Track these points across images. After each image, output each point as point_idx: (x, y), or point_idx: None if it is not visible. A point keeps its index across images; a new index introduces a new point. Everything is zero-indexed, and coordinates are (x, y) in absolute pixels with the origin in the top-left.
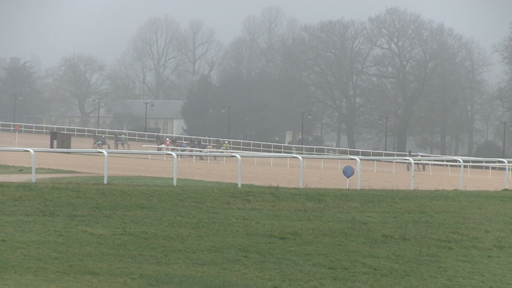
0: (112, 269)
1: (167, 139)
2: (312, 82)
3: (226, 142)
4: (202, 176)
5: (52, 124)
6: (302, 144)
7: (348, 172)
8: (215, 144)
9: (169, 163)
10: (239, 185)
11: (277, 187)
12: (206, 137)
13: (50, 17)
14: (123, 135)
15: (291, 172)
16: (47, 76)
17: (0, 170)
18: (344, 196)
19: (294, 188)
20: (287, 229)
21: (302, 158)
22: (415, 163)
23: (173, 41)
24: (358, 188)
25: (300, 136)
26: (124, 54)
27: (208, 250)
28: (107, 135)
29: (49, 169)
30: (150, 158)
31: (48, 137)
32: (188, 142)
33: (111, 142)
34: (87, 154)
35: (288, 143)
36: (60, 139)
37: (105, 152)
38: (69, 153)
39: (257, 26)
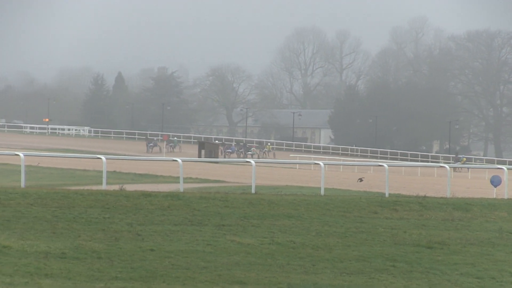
0: (260, 278)
1: (217, 141)
2: (459, 92)
3: (269, 144)
4: (348, 185)
5: (200, 134)
6: (449, 154)
7: (495, 182)
8: (258, 145)
9: (316, 173)
10: (387, 195)
11: (424, 197)
12: (353, 147)
13: (197, 28)
14: (175, 138)
15: (438, 182)
16: (194, 86)
17: (149, 179)
18: (491, 205)
19: (441, 198)
20: (434, 238)
21: (449, 167)
22: None
23: (320, 51)
24: (506, 197)
25: (447, 146)
26: (271, 64)
27: (355, 259)
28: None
29: (196, 178)
30: (297, 167)
31: (196, 146)
32: (235, 144)
33: (163, 145)
34: (234, 164)
35: (436, 153)
36: (208, 149)
37: (252, 162)
38: (216, 162)
39: (403, 36)
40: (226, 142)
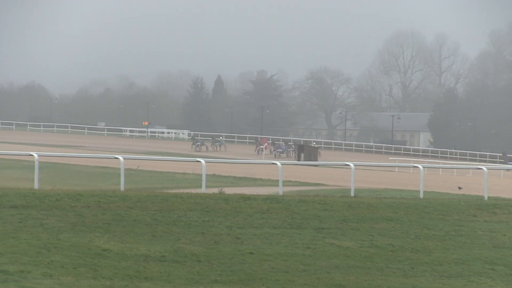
0: (359, 281)
1: (268, 141)
2: None
3: (314, 142)
4: (447, 188)
5: (299, 137)
6: None
7: None
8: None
9: (415, 176)
10: (486, 198)
11: None
12: (453, 150)
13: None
14: (221, 137)
15: None
16: (294, 89)
17: (248, 182)
18: None
19: None
20: None
21: None
22: None
23: (419, 54)
24: None
25: None
26: (370, 67)
27: (454, 262)
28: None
29: (296, 181)
30: (396, 170)
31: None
32: (284, 143)
33: (209, 144)
34: (333, 167)
35: None
36: (307, 152)
37: (351, 165)
38: (316, 166)
39: (502, 39)
40: (276, 142)
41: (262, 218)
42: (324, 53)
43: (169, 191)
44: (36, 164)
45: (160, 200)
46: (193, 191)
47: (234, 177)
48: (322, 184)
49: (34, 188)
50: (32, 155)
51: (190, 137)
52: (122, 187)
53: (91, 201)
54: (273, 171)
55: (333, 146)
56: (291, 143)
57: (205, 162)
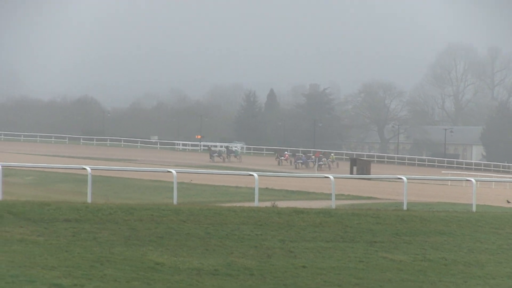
0: None
1: (286, 152)
2: None
3: (333, 154)
4: (500, 202)
5: (352, 151)
6: None
7: None
8: (322, 155)
9: (468, 189)
10: None
11: None
12: (506, 163)
13: (347, 44)
14: (236, 149)
15: None
16: (346, 102)
17: (301, 196)
18: None
19: None
20: None
21: None
22: None
23: (471, 67)
24: None
25: None
26: (422, 80)
27: (507, 276)
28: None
29: (348, 195)
30: (449, 184)
31: (348, 163)
32: (303, 155)
33: (225, 155)
34: (386, 180)
35: None
36: (360, 165)
37: (404, 178)
38: (369, 179)
39: None
40: (296, 154)
41: (314, 231)
42: (377, 66)
43: (222, 204)
44: (89, 177)
45: (213, 214)
46: (246, 204)
47: (287, 191)
48: (375, 198)
49: (87, 201)
50: (85, 168)
51: (206, 148)
52: (175, 201)
53: (144, 215)
54: (325, 185)
55: (385, 159)
56: (311, 154)
57: (258, 175)
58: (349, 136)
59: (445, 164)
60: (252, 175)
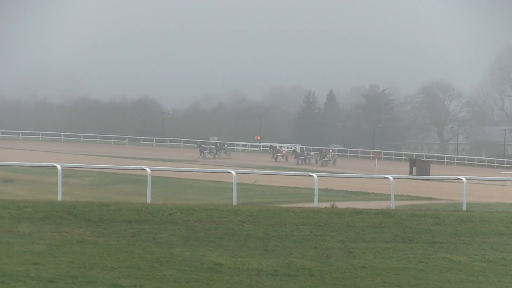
0: None
1: (283, 148)
2: None
3: (331, 150)
4: None
5: (411, 151)
6: None
7: None
8: (317, 152)
9: None
10: None
11: None
12: None
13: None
14: (225, 145)
15: None
16: (405, 103)
17: (360, 196)
18: None
19: None
20: None
21: None
22: None
23: None
24: None
25: None
26: (481, 81)
27: None
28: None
29: (408, 196)
30: (509, 184)
31: (407, 164)
32: (307, 151)
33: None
34: (446, 181)
35: None
36: (419, 166)
37: (463, 179)
38: (428, 180)
39: None
40: (203, 145)
41: (374, 232)
42: (436, 67)
43: (281, 205)
44: (149, 178)
45: (272, 215)
46: (305, 205)
47: (346, 191)
48: (434, 198)
49: (147, 202)
50: (144, 169)
51: (197, 145)
52: (234, 202)
53: (203, 216)
54: (384, 185)
55: (445, 160)
56: (311, 152)
57: (317, 176)
58: (409, 137)
59: (505, 165)
60: (312, 175)
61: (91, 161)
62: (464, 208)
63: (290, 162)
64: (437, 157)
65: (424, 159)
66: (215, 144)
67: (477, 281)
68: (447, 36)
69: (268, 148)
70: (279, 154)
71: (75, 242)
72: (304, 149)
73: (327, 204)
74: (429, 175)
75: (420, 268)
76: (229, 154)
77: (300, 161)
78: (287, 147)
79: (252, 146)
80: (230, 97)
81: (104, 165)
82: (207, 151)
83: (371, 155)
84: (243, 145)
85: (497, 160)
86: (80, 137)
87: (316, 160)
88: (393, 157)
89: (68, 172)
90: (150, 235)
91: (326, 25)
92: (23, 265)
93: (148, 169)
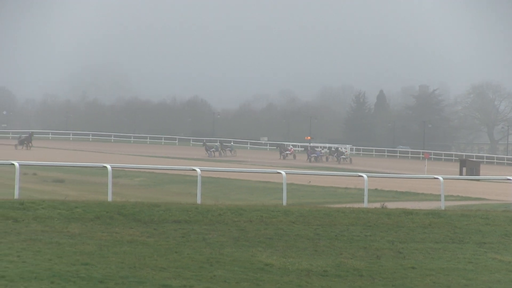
0: None
1: (291, 146)
2: None
3: (346, 149)
4: None
5: (461, 152)
6: None
7: None
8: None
9: None
10: None
11: None
12: None
13: (456, 45)
14: (231, 143)
15: None
16: (455, 103)
17: (410, 197)
18: None
19: None
20: None
21: None
22: None
23: None
24: None
25: None
26: None
27: None
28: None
29: (457, 196)
30: None
31: (457, 164)
32: (322, 148)
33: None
34: (495, 181)
35: None
36: (469, 167)
37: None
38: (478, 180)
39: None
40: (208, 144)
41: (424, 232)
42: (486, 67)
43: (331, 205)
44: (199, 179)
45: (322, 215)
46: (355, 205)
47: (396, 192)
48: (484, 199)
49: (197, 203)
50: (195, 170)
51: (202, 144)
52: (284, 202)
53: (253, 216)
54: (434, 186)
55: (495, 160)
56: (320, 149)
57: (367, 176)
58: (458, 137)
59: None
60: (362, 176)
61: (141, 161)
62: None
63: (299, 160)
64: (487, 158)
65: (474, 159)
66: (220, 142)
67: None
68: (496, 37)
69: (275, 147)
70: (287, 152)
71: (125, 243)
72: (313, 147)
73: (377, 205)
74: (479, 175)
75: (469, 269)
76: (234, 153)
77: (312, 159)
78: (321, 147)
79: (301, 146)
80: (280, 98)
81: (154, 166)
82: (213, 149)
83: (421, 155)
84: (293, 146)
85: None
86: (131, 138)
87: (327, 158)
88: (443, 157)
89: (118, 173)
90: (200, 235)
91: (378, 27)
92: (73, 266)
93: (198, 170)
